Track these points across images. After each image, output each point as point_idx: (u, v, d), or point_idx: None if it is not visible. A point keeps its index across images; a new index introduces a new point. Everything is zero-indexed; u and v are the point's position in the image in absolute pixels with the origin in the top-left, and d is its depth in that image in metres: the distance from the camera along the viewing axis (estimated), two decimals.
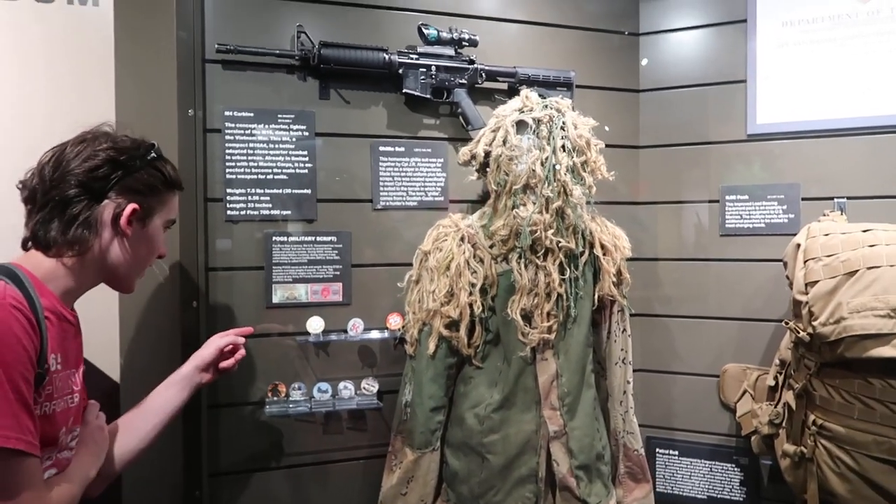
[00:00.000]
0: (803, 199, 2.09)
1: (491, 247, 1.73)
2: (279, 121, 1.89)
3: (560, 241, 1.69)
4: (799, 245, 1.77)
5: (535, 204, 1.68)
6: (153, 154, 1.24)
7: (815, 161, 2.09)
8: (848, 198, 2.03)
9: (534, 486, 1.73)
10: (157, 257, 1.33)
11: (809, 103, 2.09)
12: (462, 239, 1.75)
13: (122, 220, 1.18)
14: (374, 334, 1.94)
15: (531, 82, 2.05)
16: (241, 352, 1.56)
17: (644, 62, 2.30)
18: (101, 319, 1.69)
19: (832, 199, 2.04)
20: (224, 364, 1.52)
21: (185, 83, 1.77)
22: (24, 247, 1.18)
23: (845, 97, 2.05)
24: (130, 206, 1.18)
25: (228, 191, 1.86)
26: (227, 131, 1.85)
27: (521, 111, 1.75)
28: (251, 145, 1.87)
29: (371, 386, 1.94)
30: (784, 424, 1.86)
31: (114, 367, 1.72)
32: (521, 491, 1.72)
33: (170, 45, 1.73)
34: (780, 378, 1.94)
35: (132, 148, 1.20)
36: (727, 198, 2.19)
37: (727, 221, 2.19)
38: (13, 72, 1.64)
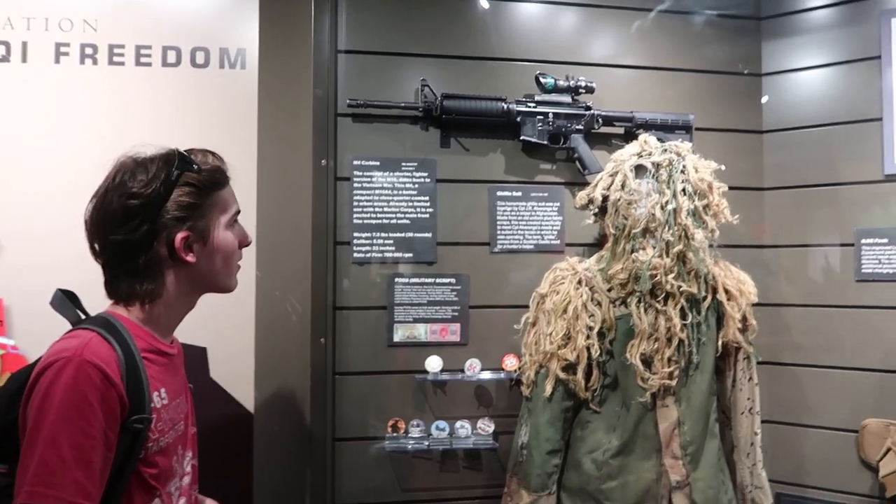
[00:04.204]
0: None
1: (609, 290, 1.73)
2: (403, 168, 2.00)
3: (681, 286, 1.66)
4: None
5: (654, 248, 1.67)
6: (175, 172, 1.10)
7: None
8: None
9: None
10: (242, 248, 1.24)
11: None
12: (580, 282, 1.75)
13: (179, 253, 1.10)
14: (490, 375, 1.98)
15: (649, 126, 2.06)
16: None
17: (765, 99, 2.24)
18: (237, 353, 1.84)
19: None
20: None
21: (320, 136, 1.91)
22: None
23: None
24: (179, 237, 1.10)
25: (355, 235, 1.98)
26: (355, 179, 1.98)
27: (639, 155, 1.75)
28: (377, 192, 1.99)
29: (487, 426, 1.96)
30: None
31: (248, 397, 1.85)
32: None
33: (307, 101, 1.89)
34: None
35: (150, 181, 1.08)
36: (863, 241, 2.07)
37: (864, 266, 2.07)
38: (174, 129, 1.83)
